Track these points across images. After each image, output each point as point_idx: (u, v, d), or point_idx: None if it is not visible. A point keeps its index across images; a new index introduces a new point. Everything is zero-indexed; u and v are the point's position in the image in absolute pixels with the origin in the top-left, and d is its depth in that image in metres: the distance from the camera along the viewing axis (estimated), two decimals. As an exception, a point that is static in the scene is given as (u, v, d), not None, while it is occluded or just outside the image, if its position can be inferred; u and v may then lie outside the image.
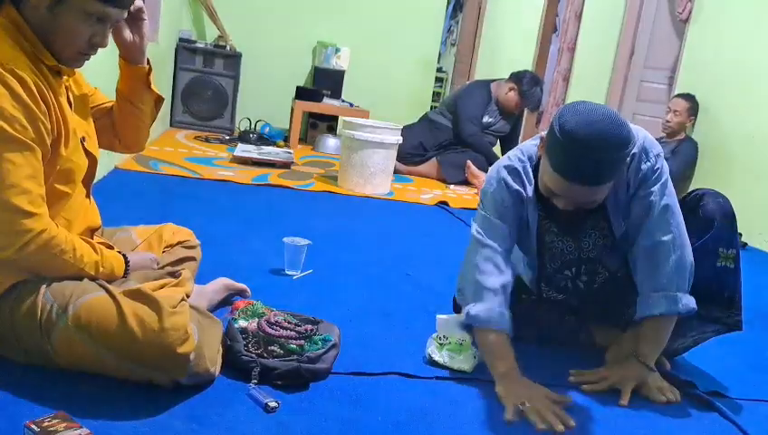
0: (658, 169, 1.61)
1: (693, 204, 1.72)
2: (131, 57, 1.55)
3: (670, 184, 1.63)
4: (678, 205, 1.64)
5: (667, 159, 4.43)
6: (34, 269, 1.33)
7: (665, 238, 1.60)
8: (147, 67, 1.58)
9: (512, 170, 1.67)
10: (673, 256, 1.60)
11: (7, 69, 1.23)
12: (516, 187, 1.65)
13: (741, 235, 1.93)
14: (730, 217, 1.68)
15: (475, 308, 1.61)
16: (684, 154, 4.31)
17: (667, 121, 4.36)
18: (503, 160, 1.71)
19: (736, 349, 2.12)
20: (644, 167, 1.60)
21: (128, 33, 1.50)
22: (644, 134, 1.62)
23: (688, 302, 1.60)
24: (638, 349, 1.64)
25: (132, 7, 1.45)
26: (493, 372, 1.57)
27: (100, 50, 1.38)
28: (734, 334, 2.15)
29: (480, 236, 1.66)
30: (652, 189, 1.60)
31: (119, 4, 1.32)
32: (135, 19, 1.50)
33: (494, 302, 1.60)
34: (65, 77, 1.40)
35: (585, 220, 1.68)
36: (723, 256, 1.67)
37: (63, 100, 1.37)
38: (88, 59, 1.38)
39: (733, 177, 4.08)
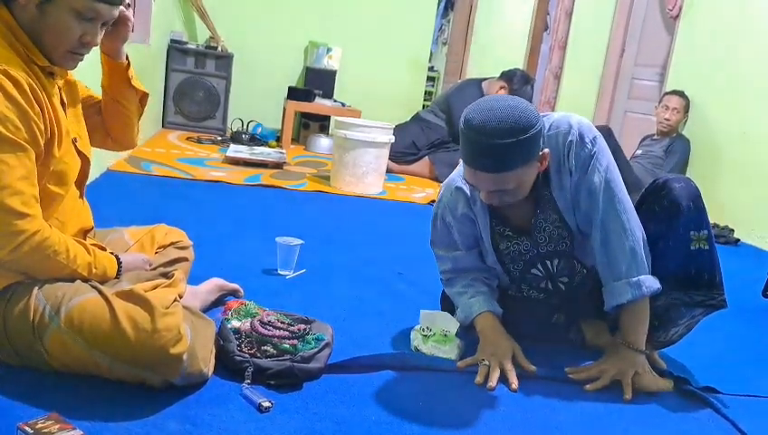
0: (595, 153, 1.60)
1: (656, 192, 1.70)
2: (109, 51, 1.54)
3: (612, 167, 1.62)
4: (623, 186, 1.63)
5: (659, 157, 4.45)
6: (28, 270, 1.33)
7: (615, 226, 1.60)
8: (125, 63, 1.57)
9: (455, 190, 1.75)
10: (626, 241, 1.60)
11: (1, 70, 1.23)
12: (462, 208, 1.74)
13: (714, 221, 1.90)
14: (695, 197, 1.66)
15: (456, 316, 1.80)
16: (680, 152, 4.32)
17: (667, 119, 4.35)
18: (452, 178, 1.78)
19: (730, 344, 2.14)
20: (582, 154, 1.59)
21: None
22: (577, 120, 1.62)
23: (651, 283, 1.61)
24: (625, 338, 1.66)
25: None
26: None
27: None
28: (727, 330, 2.18)
29: (435, 250, 1.86)
30: (593, 177, 1.60)
31: (109, 1, 1.31)
32: (120, 22, 1.48)
33: (462, 298, 1.79)
34: (58, 78, 1.40)
35: (535, 214, 1.69)
36: (695, 239, 1.66)
37: (56, 101, 1.37)
38: (81, 59, 1.38)
39: (725, 174, 4.10)
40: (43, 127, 1.30)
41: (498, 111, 1.46)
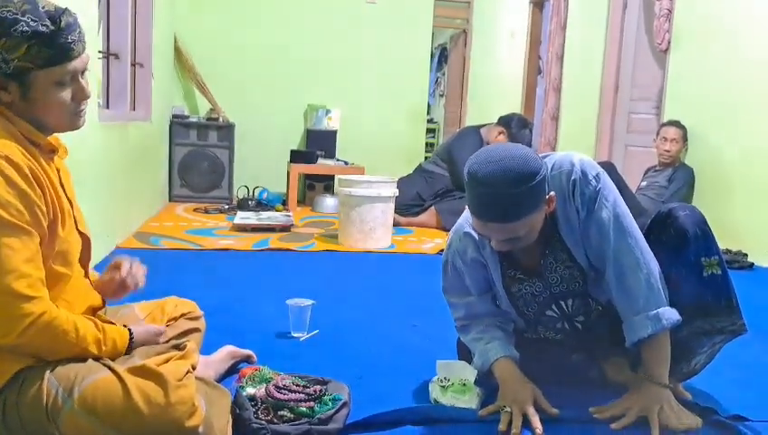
0: (600, 189, 1.60)
1: (662, 222, 1.69)
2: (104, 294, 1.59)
3: (619, 201, 1.62)
4: (632, 219, 1.63)
5: (664, 187, 4.43)
6: (38, 353, 1.32)
7: (629, 260, 1.59)
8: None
9: (464, 236, 1.75)
10: (641, 274, 1.59)
11: (1, 156, 1.25)
12: (471, 253, 1.74)
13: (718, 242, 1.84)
14: (701, 224, 1.65)
15: (473, 363, 1.76)
16: (682, 181, 4.32)
17: (667, 151, 4.36)
18: (460, 224, 1.78)
19: (754, 369, 2.10)
20: (587, 191, 1.60)
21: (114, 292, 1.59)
22: (579, 158, 1.63)
23: (671, 315, 1.59)
24: (647, 373, 1.62)
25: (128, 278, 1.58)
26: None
27: None
28: (749, 355, 2.14)
29: (447, 297, 1.85)
30: (601, 213, 1.60)
31: (76, 54, 1.33)
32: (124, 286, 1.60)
33: (478, 344, 1.76)
34: (57, 157, 1.42)
35: (544, 255, 1.68)
36: (707, 265, 1.63)
37: (56, 181, 1.39)
38: (84, 113, 1.41)
39: (733, 199, 4.08)
40: (45, 209, 1.31)
41: (502, 161, 1.48)
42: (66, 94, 1.34)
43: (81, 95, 1.36)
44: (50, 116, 1.35)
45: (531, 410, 1.58)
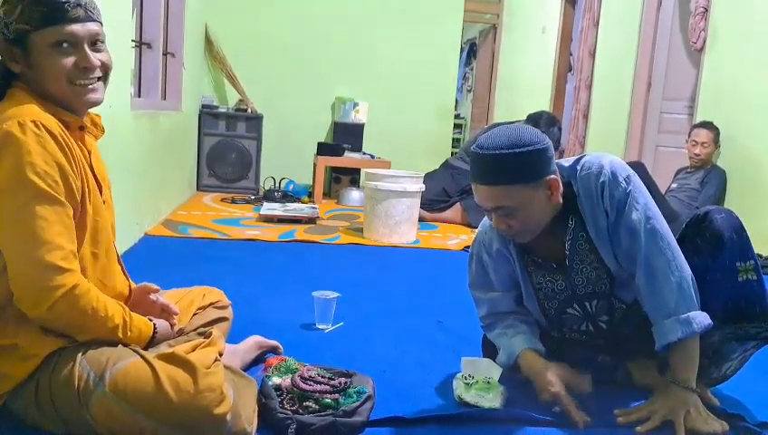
0: (630, 191, 1.58)
1: (697, 225, 1.67)
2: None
3: (651, 203, 1.60)
4: (664, 221, 1.61)
5: (695, 189, 4.34)
6: (66, 329, 1.33)
7: (660, 263, 1.57)
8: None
9: (490, 228, 1.77)
10: (672, 277, 1.56)
11: (41, 126, 1.26)
12: (497, 245, 1.76)
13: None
14: (738, 228, 1.62)
15: (498, 359, 1.79)
16: (715, 184, 4.25)
17: (697, 154, 4.29)
18: (486, 219, 1.79)
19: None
20: (616, 193, 1.58)
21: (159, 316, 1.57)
22: (609, 159, 1.62)
23: (702, 319, 1.56)
24: (675, 376, 1.60)
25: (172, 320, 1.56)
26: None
27: None
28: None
29: (472, 292, 1.87)
30: (632, 215, 1.58)
31: (73, 17, 1.31)
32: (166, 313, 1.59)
33: (503, 339, 1.78)
34: (88, 137, 1.44)
35: (571, 255, 1.66)
36: (742, 270, 1.61)
37: (84, 160, 1.40)
38: (92, 87, 1.37)
39: (765, 202, 4.00)
40: (79, 183, 1.33)
41: (504, 130, 1.55)
42: (66, 60, 1.32)
43: (85, 63, 1.34)
44: (53, 84, 1.33)
45: (567, 402, 1.60)
